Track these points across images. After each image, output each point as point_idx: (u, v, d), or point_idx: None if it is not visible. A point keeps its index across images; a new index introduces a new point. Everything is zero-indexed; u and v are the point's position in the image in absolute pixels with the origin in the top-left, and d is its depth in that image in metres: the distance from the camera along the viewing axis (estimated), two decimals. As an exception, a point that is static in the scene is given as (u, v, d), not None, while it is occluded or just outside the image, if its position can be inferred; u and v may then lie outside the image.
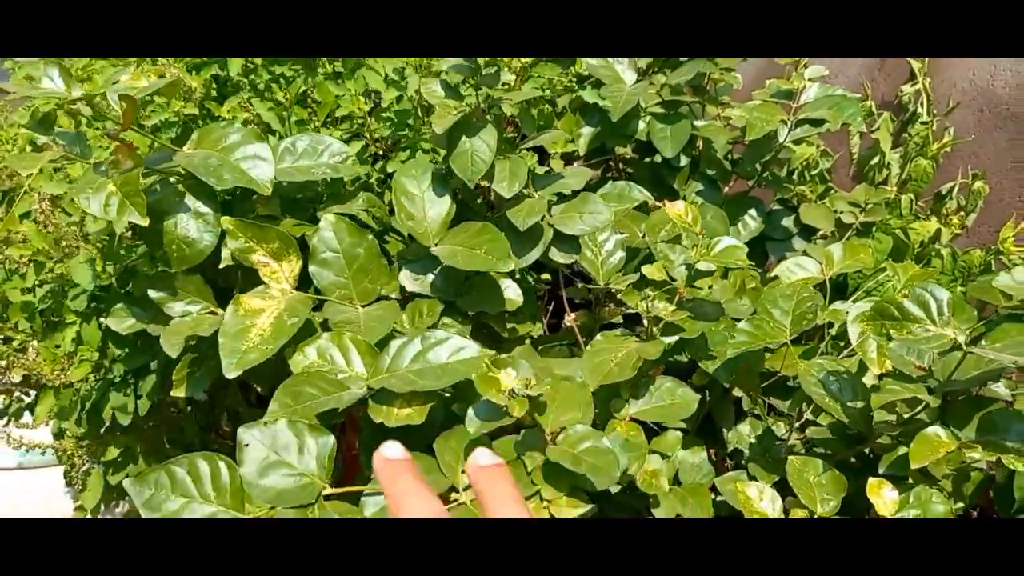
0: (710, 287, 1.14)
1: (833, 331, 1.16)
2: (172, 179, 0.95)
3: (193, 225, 0.93)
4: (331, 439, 0.80)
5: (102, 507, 1.39)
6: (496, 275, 1.02)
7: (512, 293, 1.03)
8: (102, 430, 1.18)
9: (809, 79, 1.29)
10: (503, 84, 1.09)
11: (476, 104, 1.01)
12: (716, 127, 1.32)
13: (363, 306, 0.96)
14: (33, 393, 1.21)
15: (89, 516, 1.39)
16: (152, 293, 0.96)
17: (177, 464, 0.76)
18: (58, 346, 1.09)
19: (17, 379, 1.16)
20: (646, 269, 0.97)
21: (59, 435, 1.18)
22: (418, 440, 0.90)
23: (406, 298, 1.03)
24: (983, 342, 0.84)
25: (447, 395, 0.94)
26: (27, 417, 1.23)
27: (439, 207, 1.01)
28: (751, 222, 1.36)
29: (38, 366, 1.07)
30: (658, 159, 1.36)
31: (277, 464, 0.78)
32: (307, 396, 0.84)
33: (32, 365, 1.08)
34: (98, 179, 0.87)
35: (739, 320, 1.05)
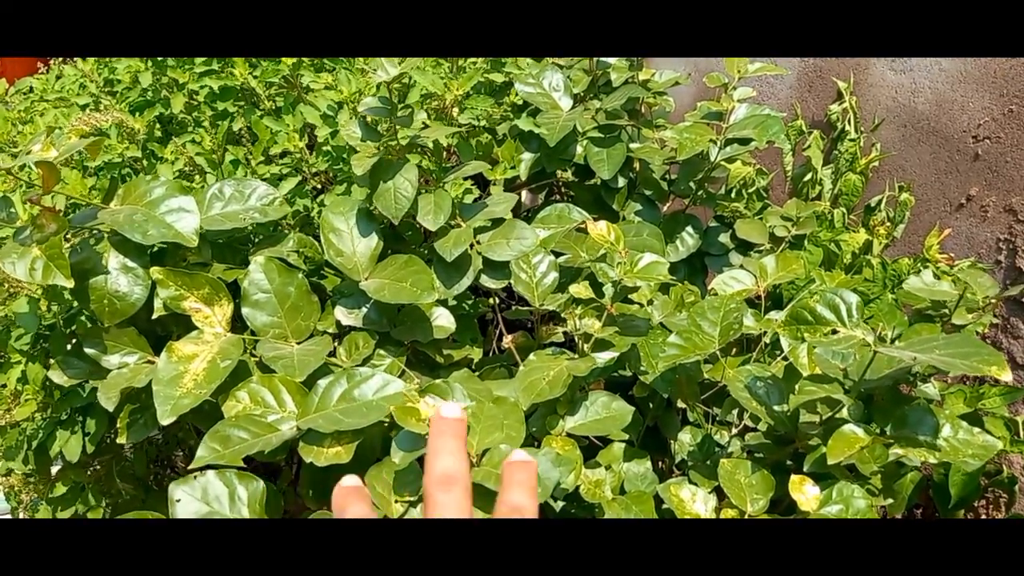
0: (650, 302, 1.17)
1: (767, 339, 1.19)
2: (95, 237, 0.97)
3: (123, 280, 0.95)
4: (260, 485, 0.82)
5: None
6: (427, 305, 1.04)
7: (444, 321, 1.05)
8: (52, 468, 1.18)
9: (738, 100, 1.34)
10: (422, 122, 1.12)
11: (398, 143, 1.04)
12: (651, 148, 1.36)
13: (298, 343, 0.98)
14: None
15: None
16: (87, 349, 0.98)
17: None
18: (3, 385, 1.10)
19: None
20: (573, 288, 1.00)
21: (6, 474, 1.18)
22: (356, 471, 0.92)
23: (342, 332, 1.05)
24: (898, 343, 0.88)
25: (386, 423, 0.96)
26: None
27: (367, 242, 1.03)
28: (689, 239, 1.39)
29: (-18, 408, 1.09)
30: (598, 181, 1.39)
31: (210, 516, 0.80)
32: (235, 440, 0.86)
33: (-24, 408, 1.09)
34: (22, 245, 0.88)
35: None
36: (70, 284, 0.88)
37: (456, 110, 1.32)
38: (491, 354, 1.33)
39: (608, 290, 1.02)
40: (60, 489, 1.23)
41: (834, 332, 0.85)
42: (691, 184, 1.40)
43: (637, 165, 1.44)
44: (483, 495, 0.86)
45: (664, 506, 1.10)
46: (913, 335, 0.90)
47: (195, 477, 0.80)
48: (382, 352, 1.03)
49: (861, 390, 0.92)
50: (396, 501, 0.85)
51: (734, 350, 1.25)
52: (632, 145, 1.37)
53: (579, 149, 1.39)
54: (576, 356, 1.02)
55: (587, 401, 1.02)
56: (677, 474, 1.26)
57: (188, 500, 0.79)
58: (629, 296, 1.14)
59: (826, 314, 0.87)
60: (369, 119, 1.06)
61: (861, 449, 0.84)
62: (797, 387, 0.89)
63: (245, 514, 0.80)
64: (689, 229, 1.40)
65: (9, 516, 1.32)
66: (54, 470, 1.25)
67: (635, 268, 0.99)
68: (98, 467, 1.26)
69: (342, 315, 1.04)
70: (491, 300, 1.40)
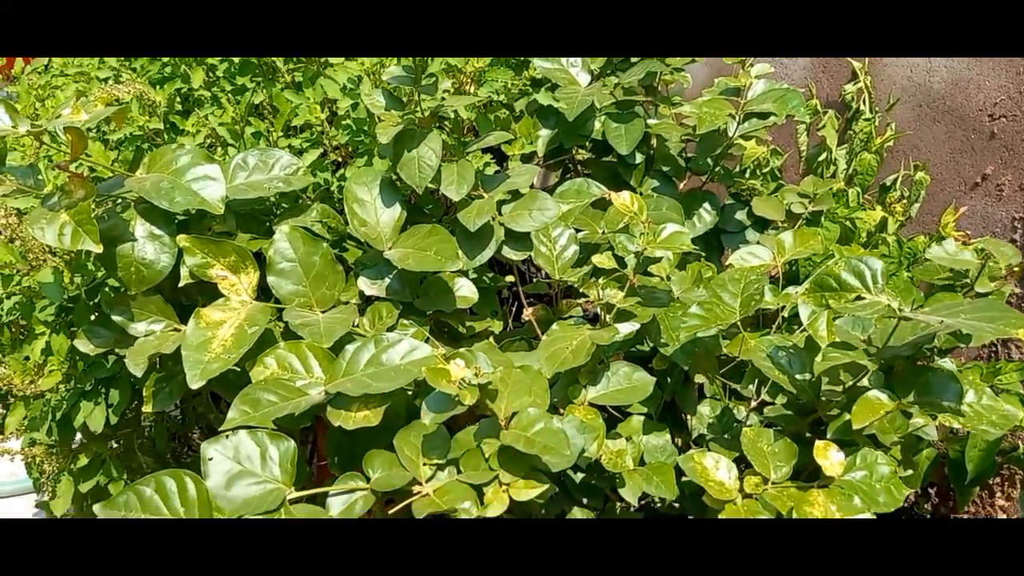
0: (668, 278, 1.17)
1: (786, 313, 1.19)
2: (122, 205, 0.97)
3: (150, 247, 0.96)
4: (292, 444, 0.83)
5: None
6: (449, 275, 1.05)
7: (466, 291, 1.06)
8: (73, 441, 1.19)
9: (755, 76, 1.34)
10: (445, 91, 1.12)
11: (422, 112, 1.04)
12: (669, 124, 1.36)
13: (322, 312, 0.99)
14: (2, 412, 1.22)
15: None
16: (114, 316, 0.98)
17: (144, 484, 0.79)
18: (27, 357, 1.11)
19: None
20: (596, 258, 1.01)
21: (30, 444, 1.19)
22: (382, 437, 0.93)
23: (366, 302, 1.05)
24: (922, 309, 0.88)
25: (409, 392, 0.97)
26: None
27: (390, 212, 1.04)
28: (706, 215, 1.40)
29: (7, 377, 1.09)
30: (614, 157, 1.40)
31: (242, 474, 0.81)
32: (265, 403, 0.86)
33: (2, 377, 1.09)
34: (51, 210, 0.89)
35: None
36: (99, 249, 0.88)
37: (474, 85, 1.33)
38: (507, 330, 1.34)
39: (631, 260, 1.03)
40: (82, 461, 1.23)
41: (859, 299, 0.86)
42: (708, 160, 1.41)
43: (654, 141, 1.44)
44: (512, 458, 0.87)
45: (684, 478, 1.11)
46: (934, 302, 0.90)
47: (227, 436, 0.80)
48: (405, 322, 1.04)
49: (883, 359, 0.92)
50: (424, 463, 0.86)
51: (750, 327, 1.26)
52: (650, 121, 1.38)
53: (596, 125, 1.39)
54: (598, 327, 1.03)
55: (609, 371, 1.03)
56: (694, 448, 1.27)
57: (220, 459, 0.79)
58: (648, 270, 1.14)
59: (851, 280, 0.87)
60: (393, 88, 1.06)
61: (885, 415, 0.84)
62: (821, 353, 0.90)
63: (276, 474, 0.80)
64: (707, 206, 1.40)
65: (32, 489, 1.33)
66: (75, 444, 1.26)
67: (657, 238, 1.00)
68: (119, 441, 1.27)
69: (365, 285, 1.05)
70: (508, 278, 1.41)
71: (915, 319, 0.82)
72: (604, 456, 1.02)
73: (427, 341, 1.03)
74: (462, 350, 0.91)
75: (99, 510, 0.78)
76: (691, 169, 1.43)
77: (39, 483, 1.29)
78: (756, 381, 1.12)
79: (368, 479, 0.86)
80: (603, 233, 1.24)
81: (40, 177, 0.98)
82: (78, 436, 1.25)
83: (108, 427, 1.16)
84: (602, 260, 1.00)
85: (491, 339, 1.13)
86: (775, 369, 0.97)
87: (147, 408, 1.05)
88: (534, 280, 1.25)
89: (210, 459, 0.79)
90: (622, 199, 0.98)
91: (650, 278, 1.08)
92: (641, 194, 1.39)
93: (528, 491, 0.84)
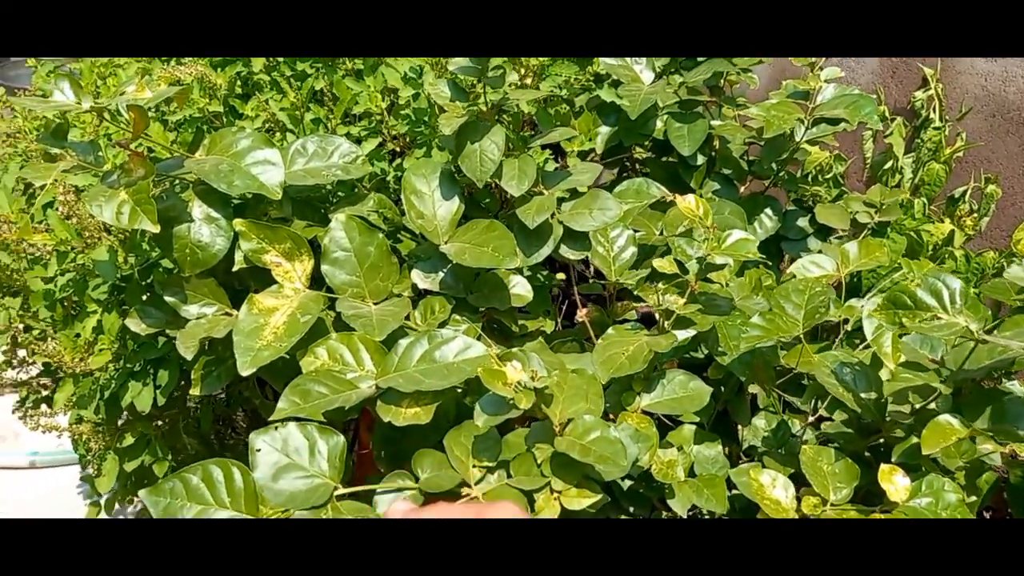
0: (726, 284, 1.14)
1: (848, 327, 1.15)
2: (180, 186, 0.97)
3: (206, 230, 0.95)
4: (341, 439, 0.81)
5: (115, 504, 1.41)
6: (505, 272, 1.03)
7: (521, 289, 1.04)
8: (120, 420, 1.19)
9: (825, 80, 1.29)
10: (511, 84, 1.10)
11: (486, 104, 1.02)
12: (733, 126, 1.32)
13: (375, 303, 0.97)
14: (51, 386, 1.23)
15: (103, 503, 1.40)
16: (167, 297, 0.98)
17: (191, 472, 0.77)
18: (78, 335, 1.11)
19: (35, 371, 1.18)
20: (657, 263, 0.98)
21: (77, 421, 1.20)
22: (431, 435, 0.91)
23: (418, 296, 1.04)
24: (997, 332, 0.84)
25: (459, 390, 0.95)
26: (43, 409, 1.25)
27: (448, 205, 1.02)
28: (767, 221, 1.36)
29: (58, 354, 1.09)
30: (674, 158, 1.37)
31: (290, 467, 0.79)
32: (315, 395, 0.85)
33: (52, 353, 1.09)
34: (110, 188, 0.88)
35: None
36: (156, 229, 0.88)
37: (536, 79, 1.30)
38: (557, 330, 1.32)
39: (692, 266, 1.00)
40: (128, 440, 1.24)
41: (935, 318, 0.82)
42: (773, 165, 1.37)
43: (716, 143, 1.41)
44: (565, 465, 0.85)
45: (734, 491, 1.08)
46: (1013, 326, 0.86)
47: (276, 428, 0.79)
48: (457, 317, 1.02)
49: (955, 381, 0.88)
50: (474, 465, 0.84)
51: (808, 337, 1.22)
52: (713, 122, 1.34)
53: (658, 124, 1.36)
54: (654, 333, 1.00)
55: (664, 379, 1.00)
56: (745, 460, 1.24)
57: (268, 451, 0.78)
58: (707, 276, 1.11)
59: (927, 299, 0.83)
60: (456, 79, 1.04)
61: (958, 442, 0.80)
62: (891, 374, 0.86)
63: (324, 468, 0.79)
64: (768, 211, 1.36)
65: (78, 464, 1.33)
66: (120, 423, 1.27)
67: (722, 244, 0.97)
68: (165, 420, 1.27)
69: (419, 278, 1.03)
70: (559, 275, 1.38)
71: (994, 343, 0.78)
72: (655, 466, 0.99)
73: (478, 338, 1.01)
74: (515, 350, 0.89)
75: (145, 496, 0.76)
76: (754, 173, 1.39)
77: (85, 460, 1.30)
78: (815, 397, 1.08)
79: (416, 478, 0.84)
80: (660, 235, 1.21)
81: (100, 154, 0.97)
82: (124, 415, 1.25)
83: (155, 407, 1.16)
84: (663, 265, 0.97)
85: (541, 339, 1.10)
86: (839, 386, 0.93)
87: (195, 391, 1.04)
88: (589, 280, 1.22)
89: (258, 450, 0.78)
90: (687, 202, 0.95)
91: (710, 285, 1.05)
92: (701, 196, 1.36)
93: (581, 500, 0.82)
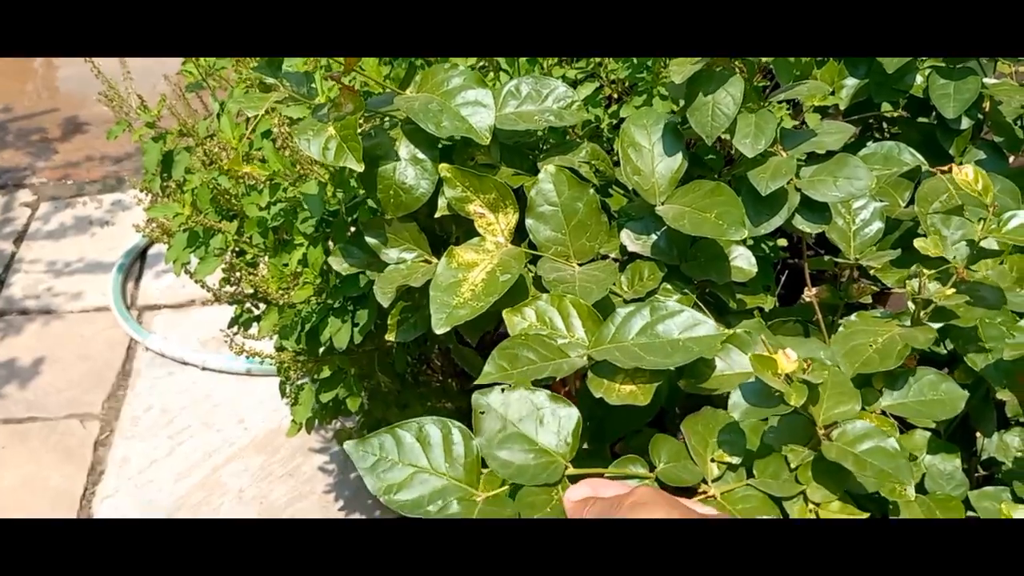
0: (987, 272, 0.98)
1: None
2: (389, 123, 0.93)
3: (411, 172, 0.91)
4: (576, 413, 0.74)
5: (315, 423, 1.45)
6: (724, 241, 0.92)
7: (743, 262, 0.93)
8: (319, 351, 1.21)
9: None
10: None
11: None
12: (1011, 86, 1.13)
13: (579, 264, 0.90)
14: (262, 306, 1.26)
15: (304, 423, 1.44)
16: (368, 239, 0.95)
17: (405, 428, 0.72)
18: (285, 265, 1.12)
19: (249, 291, 1.21)
20: (919, 243, 0.84)
21: (280, 349, 1.22)
22: (640, 416, 0.84)
23: (626, 258, 0.95)
24: None
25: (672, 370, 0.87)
26: (254, 328, 1.29)
27: (669, 162, 0.92)
28: (1040, 201, 1.16)
29: (265, 283, 1.11)
30: (934, 119, 1.19)
31: (515, 437, 0.72)
32: (524, 361, 0.79)
33: (259, 282, 1.11)
34: (319, 122, 0.86)
35: (1020, 315, 0.89)
36: (360, 168, 0.85)
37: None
38: (776, 306, 1.19)
39: (960, 250, 0.85)
40: (325, 372, 1.25)
41: None
42: (1058, 136, 1.16)
43: (987, 105, 1.21)
44: (826, 473, 0.75)
45: (971, 513, 0.94)
46: None
47: (502, 390, 0.73)
48: (668, 287, 0.93)
49: None
50: (713, 460, 0.76)
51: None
52: (986, 80, 1.14)
53: (918, 80, 1.18)
54: (906, 323, 0.86)
55: (912, 377, 0.86)
56: (981, 474, 1.09)
57: (494, 416, 0.72)
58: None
59: None
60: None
61: None
62: None
63: (552, 444, 0.72)
64: (1043, 189, 1.16)
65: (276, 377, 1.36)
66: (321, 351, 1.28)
67: (1002, 227, 0.81)
68: (362, 356, 1.27)
69: (628, 240, 0.94)
70: (780, 240, 1.25)
71: None
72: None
73: (691, 313, 0.92)
74: (739, 331, 0.79)
75: (350, 448, 0.72)
76: (1032, 143, 1.18)
77: (283, 388, 1.33)
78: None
79: (652, 466, 0.77)
80: (907, 208, 1.05)
81: (313, 86, 0.95)
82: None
83: (352, 344, 1.16)
84: (927, 246, 0.83)
85: (759, 317, 0.99)
86: None
87: (390, 336, 1.03)
88: (819, 254, 1.09)
89: (482, 413, 0.72)
90: (964, 174, 0.80)
91: (973, 272, 0.90)
92: (961, 165, 1.18)
93: (843, 517, 0.72)
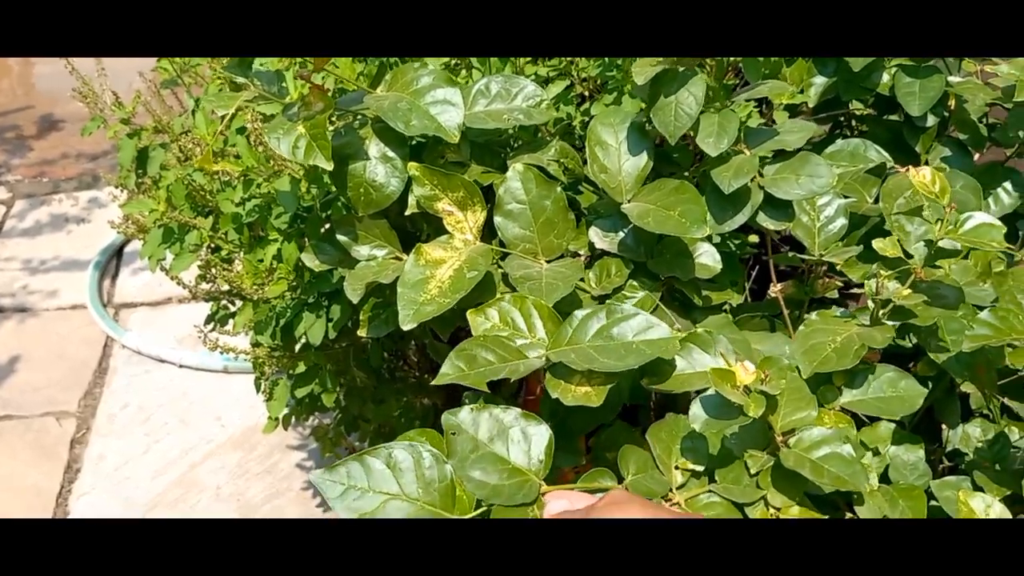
0: (952, 266, 1.00)
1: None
2: (360, 122, 0.94)
3: (381, 169, 0.91)
4: (546, 430, 0.73)
5: (292, 419, 1.46)
6: (690, 239, 0.93)
7: (708, 259, 0.94)
8: (295, 347, 1.21)
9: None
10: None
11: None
12: (975, 84, 1.14)
13: (547, 261, 0.91)
14: (238, 302, 1.26)
15: (280, 419, 1.44)
16: (339, 236, 0.96)
17: (374, 455, 0.69)
18: (260, 260, 1.13)
19: (224, 287, 1.21)
20: (877, 243, 0.86)
21: (255, 345, 1.23)
22: (600, 415, 0.85)
23: (594, 255, 0.97)
24: None
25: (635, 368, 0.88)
26: (231, 324, 1.29)
27: (635, 161, 0.93)
28: (1005, 196, 1.18)
29: (239, 278, 1.11)
30: (900, 116, 1.21)
31: (487, 457, 0.71)
32: (482, 361, 0.80)
33: (234, 278, 1.12)
34: (289, 121, 0.87)
35: (981, 308, 0.91)
36: (329, 166, 0.85)
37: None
38: (747, 300, 1.21)
39: (920, 250, 0.86)
40: (300, 368, 1.26)
41: None
42: (1020, 133, 1.17)
43: (952, 103, 1.23)
44: (785, 478, 0.76)
45: (933, 502, 0.96)
46: None
47: (472, 409, 0.72)
48: (634, 283, 0.94)
49: None
50: (677, 467, 0.77)
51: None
52: (951, 79, 1.16)
53: (884, 78, 1.20)
54: (863, 321, 0.88)
55: (871, 374, 0.88)
56: (946, 466, 1.11)
57: (464, 435, 0.71)
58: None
59: None
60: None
61: None
62: None
63: (524, 463, 0.71)
64: (1008, 185, 1.18)
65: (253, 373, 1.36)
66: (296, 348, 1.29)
67: (959, 228, 0.83)
68: (337, 351, 1.28)
69: (596, 237, 0.95)
70: (751, 237, 1.27)
71: None
72: (847, 471, 0.89)
73: (655, 310, 0.93)
74: (699, 331, 0.81)
75: (317, 478, 0.68)
76: (994, 140, 1.20)
77: (259, 382, 1.33)
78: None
79: (620, 478, 0.78)
80: (874, 204, 1.07)
81: (284, 85, 0.96)
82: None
83: (327, 339, 1.17)
84: (885, 247, 0.84)
85: (727, 313, 1.00)
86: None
87: (361, 332, 1.04)
88: (783, 250, 1.10)
89: (453, 434, 0.70)
90: (921, 175, 0.82)
91: (934, 271, 0.91)
92: (928, 163, 1.20)
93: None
